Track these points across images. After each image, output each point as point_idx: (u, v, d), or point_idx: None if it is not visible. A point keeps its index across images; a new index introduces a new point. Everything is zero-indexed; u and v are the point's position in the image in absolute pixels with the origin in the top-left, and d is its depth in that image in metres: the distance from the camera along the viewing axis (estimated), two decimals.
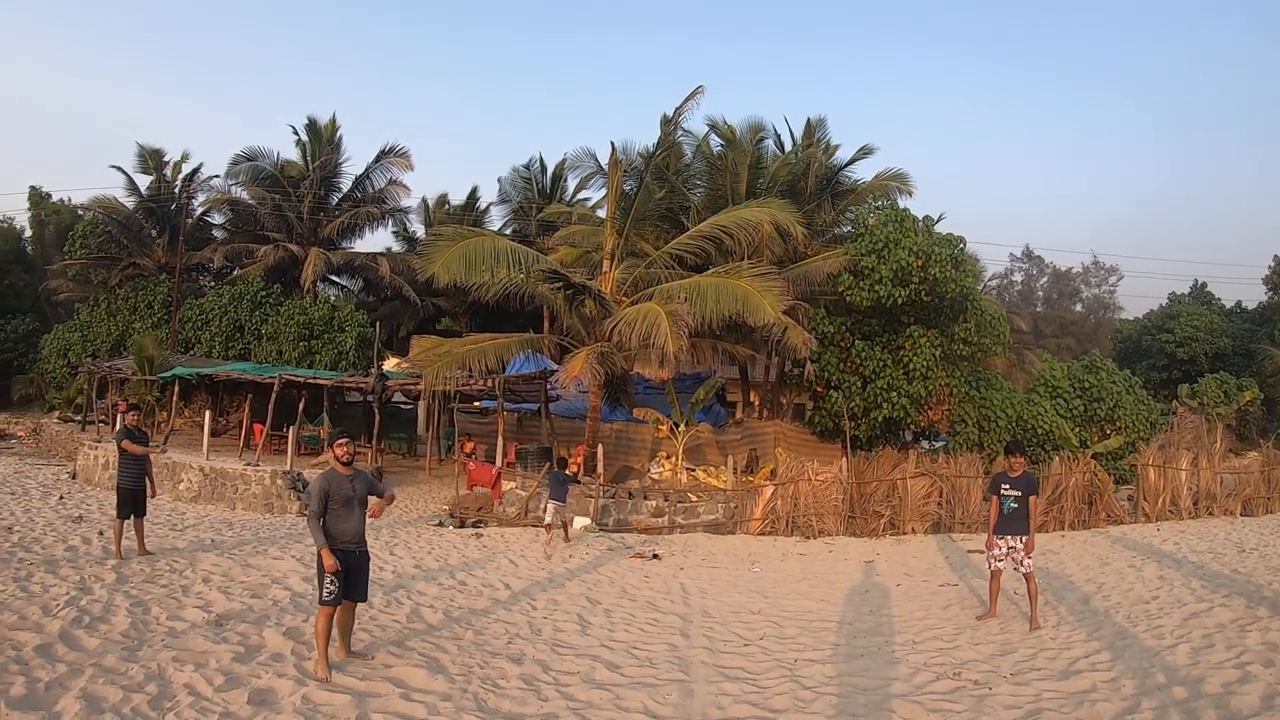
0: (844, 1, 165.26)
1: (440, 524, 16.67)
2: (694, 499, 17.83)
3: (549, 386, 21.98)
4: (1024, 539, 9.21)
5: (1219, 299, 41.28)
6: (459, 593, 10.26)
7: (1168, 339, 37.18)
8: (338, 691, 6.21)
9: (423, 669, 6.91)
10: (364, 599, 7.21)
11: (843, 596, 11.16)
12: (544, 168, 38.81)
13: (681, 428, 20.38)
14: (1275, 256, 37.36)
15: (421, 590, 10.16)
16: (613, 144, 21.93)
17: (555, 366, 22.20)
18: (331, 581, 6.63)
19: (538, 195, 37.83)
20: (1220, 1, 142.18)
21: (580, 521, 16.47)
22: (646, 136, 26.74)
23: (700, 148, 26.03)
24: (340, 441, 7.08)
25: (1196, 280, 42.24)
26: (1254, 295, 40.68)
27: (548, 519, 13.93)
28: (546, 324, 24.14)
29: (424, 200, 39.64)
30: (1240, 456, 22.85)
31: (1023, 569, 9.24)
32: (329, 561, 6.61)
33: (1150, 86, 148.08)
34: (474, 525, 16.62)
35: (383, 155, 35.77)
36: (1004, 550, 9.28)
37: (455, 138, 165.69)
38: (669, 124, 22.83)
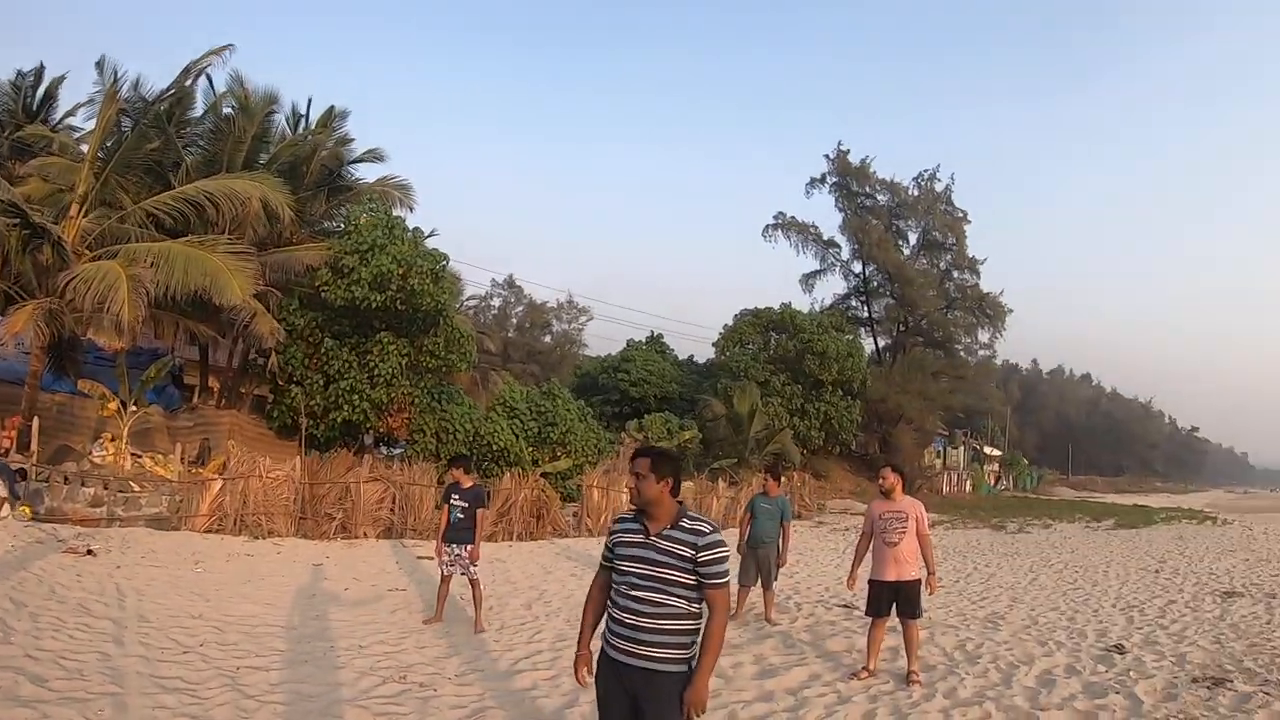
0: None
1: None
2: (137, 489, 16.68)
3: None
4: (469, 548, 9.99)
5: (673, 350, 47.00)
6: None
7: (623, 378, 41.65)
8: None
9: None
10: None
11: (289, 600, 11.28)
12: (40, 79, 33.16)
13: (131, 407, 18.97)
14: (725, 325, 43.98)
15: None
16: (114, 70, 19.83)
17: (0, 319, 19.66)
18: None
19: (22, 110, 32.36)
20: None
21: (6, 508, 14.72)
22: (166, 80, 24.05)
23: (213, 107, 24.32)
24: None
25: (653, 331, 47.61)
26: (706, 353, 46.88)
27: None
28: None
29: None
30: None
31: (469, 575, 10.01)
32: None
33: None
34: None
35: None
36: (451, 557, 10.02)
37: None
38: (186, 73, 21.20)
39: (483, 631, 9.80)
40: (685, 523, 4.01)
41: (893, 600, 8.10)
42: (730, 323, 43.58)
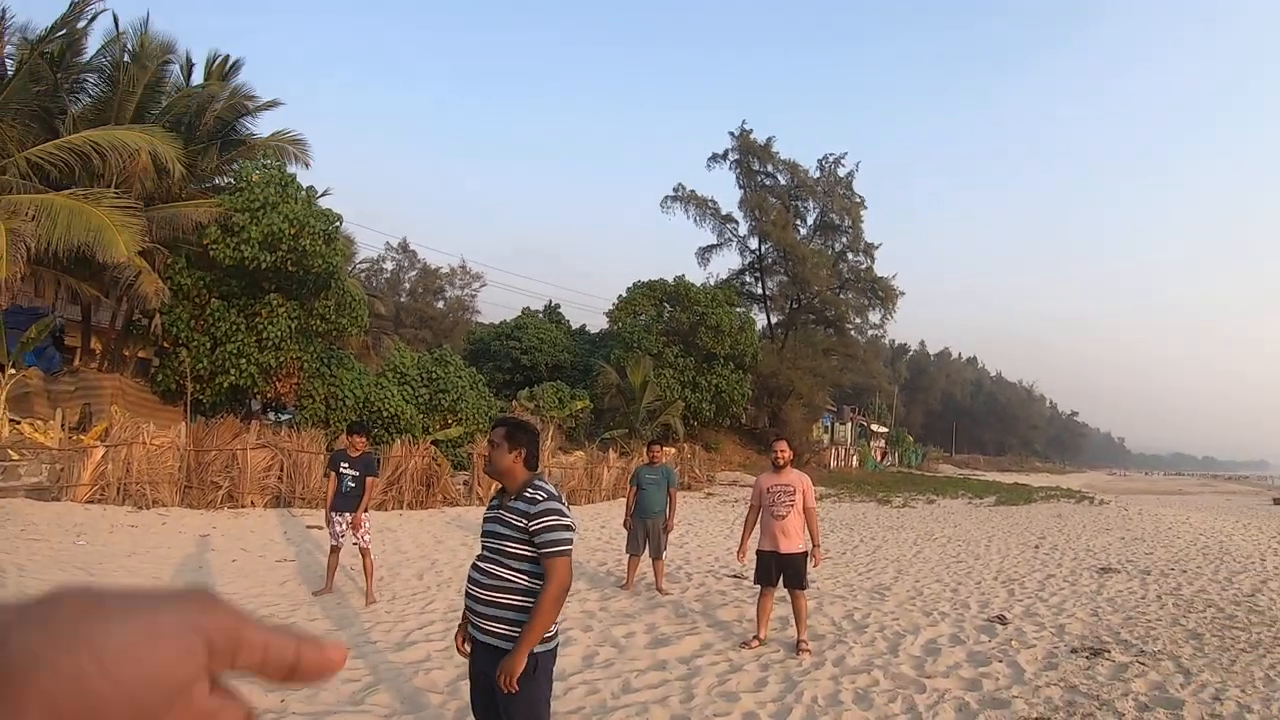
0: None
1: None
2: (15, 457, 16.08)
3: None
4: (353, 516, 9.97)
5: (568, 320, 46.92)
6: None
7: (515, 345, 41.52)
8: None
9: None
10: None
11: (175, 573, 11.25)
12: None
13: (9, 370, 18.28)
14: (619, 296, 43.99)
15: None
16: (1, 10, 18.98)
17: None
18: None
19: None
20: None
21: None
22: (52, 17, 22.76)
23: (106, 48, 23.05)
24: None
25: (550, 301, 47.56)
26: (601, 324, 47.01)
27: None
28: None
29: None
30: (569, 454, 26.81)
31: (361, 543, 9.99)
32: None
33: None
34: None
35: None
36: (343, 526, 10.09)
37: None
38: (75, 9, 20.29)
39: (374, 602, 9.84)
40: (527, 492, 3.99)
41: (780, 571, 8.38)
42: (624, 294, 43.80)
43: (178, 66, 25.45)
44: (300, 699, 6.44)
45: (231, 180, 24.28)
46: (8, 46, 19.65)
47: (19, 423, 17.81)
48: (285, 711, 6.18)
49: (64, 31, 20.85)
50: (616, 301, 43.89)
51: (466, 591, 4.09)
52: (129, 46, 23.23)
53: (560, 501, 3.99)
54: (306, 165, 26.80)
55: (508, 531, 3.95)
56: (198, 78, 26.04)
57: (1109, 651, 8.53)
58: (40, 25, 20.89)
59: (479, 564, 4.05)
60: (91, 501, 15.88)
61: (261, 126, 27.16)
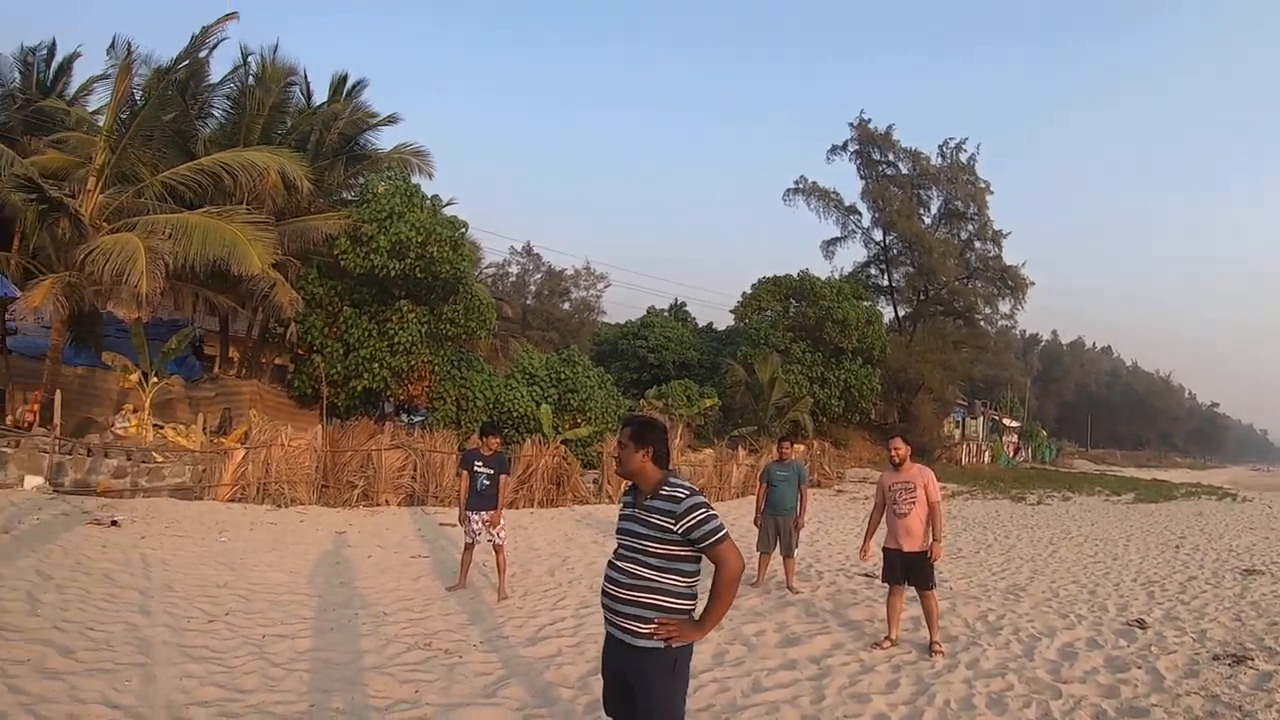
0: None
1: None
2: (160, 459, 16.71)
3: (7, 317, 19.35)
4: (492, 513, 9.98)
5: (694, 318, 46.93)
6: None
7: (642, 344, 41.53)
8: None
9: None
10: None
11: (314, 568, 11.30)
12: (52, 54, 33.20)
13: (152, 379, 19.03)
14: (744, 292, 43.41)
15: None
16: (128, 44, 19.81)
17: (18, 293, 19.70)
18: None
19: (36, 86, 32.38)
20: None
21: (32, 481, 14.79)
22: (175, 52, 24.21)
23: (230, 76, 24.23)
24: None
25: (676, 299, 47.47)
26: (725, 320, 46.73)
27: None
28: (16, 242, 21.24)
29: None
30: (698, 452, 26.60)
31: (497, 540, 10.02)
32: None
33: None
34: None
35: None
36: (479, 524, 10.01)
37: None
38: (196, 42, 21.13)
39: (506, 598, 9.83)
40: (664, 490, 3.93)
41: (905, 569, 8.13)
42: (749, 290, 43.23)
43: (299, 88, 26.26)
44: (435, 691, 6.45)
45: (358, 193, 24.92)
46: (135, 77, 20.44)
47: (162, 427, 18.62)
48: (419, 702, 6.17)
49: (187, 61, 21.67)
50: (742, 298, 43.40)
51: (603, 589, 4.08)
52: (254, 71, 24.18)
53: (699, 494, 3.93)
54: (430, 176, 27.38)
55: (646, 531, 3.92)
56: (319, 97, 26.90)
57: (1253, 659, 7.98)
58: (159, 55, 21.79)
59: (616, 563, 4.04)
60: (233, 500, 16.38)
61: (383, 141, 27.88)
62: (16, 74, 32.20)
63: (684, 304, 47.57)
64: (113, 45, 21.56)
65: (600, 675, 4.26)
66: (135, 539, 12.04)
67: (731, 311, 44.32)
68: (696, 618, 3.93)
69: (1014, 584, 12.03)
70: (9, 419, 17.73)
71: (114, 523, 12.76)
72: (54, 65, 32.66)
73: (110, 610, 8.33)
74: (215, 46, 22.16)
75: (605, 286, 71.16)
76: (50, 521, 12.48)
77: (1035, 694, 6.90)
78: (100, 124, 21.44)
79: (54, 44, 32.67)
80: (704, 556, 3.89)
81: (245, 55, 24.00)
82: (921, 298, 54.76)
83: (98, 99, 29.13)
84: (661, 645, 3.83)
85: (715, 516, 3.87)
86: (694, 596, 3.95)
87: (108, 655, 6.93)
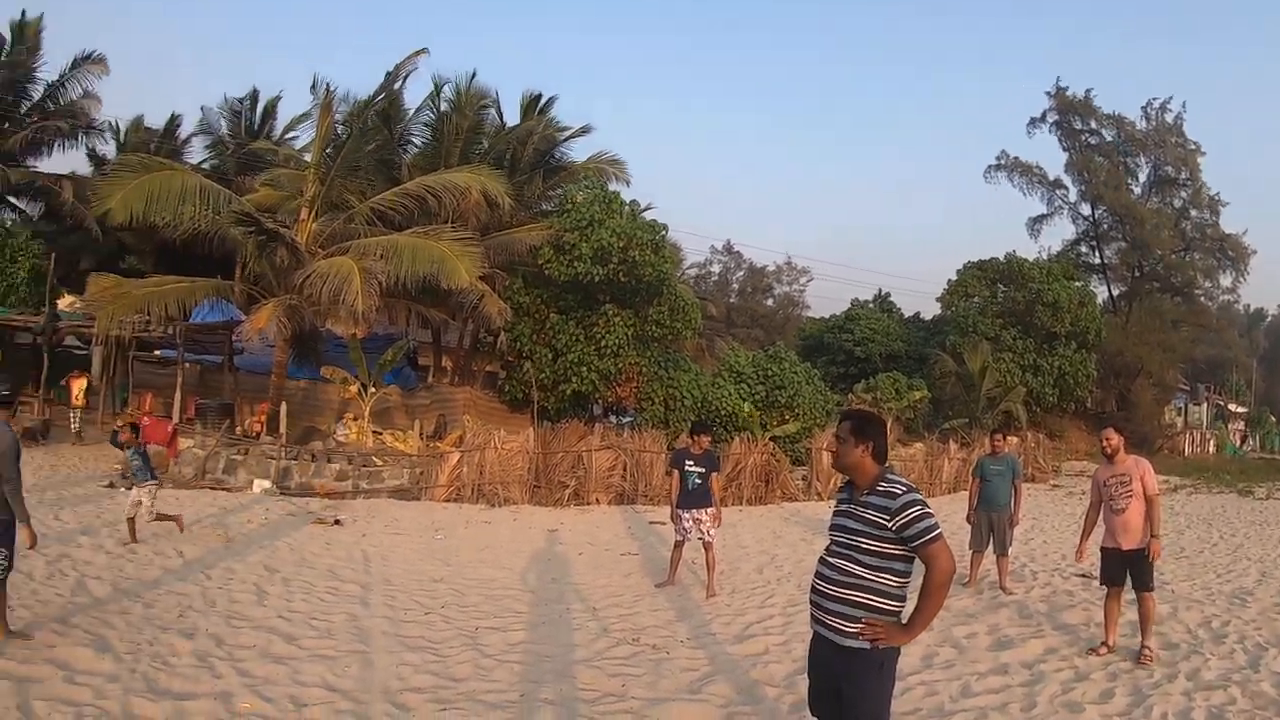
0: None
1: (110, 484, 15.23)
2: (379, 463, 17.51)
3: (234, 338, 20.78)
4: (709, 511, 9.74)
5: (899, 308, 45.55)
6: (128, 561, 9.60)
7: (847, 338, 40.54)
8: None
9: (89, 648, 6.40)
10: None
11: (526, 564, 11.35)
12: (256, 100, 35.97)
13: (370, 389, 19.94)
14: (948, 279, 41.60)
15: (87, 559, 9.41)
16: (327, 85, 21.11)
17: (243, 317, 21.05)
18: (3, 556, 6.17)
19: (244, 131, 35.10)
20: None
21: (260, 485, 15.75)
22: (370, 87, 26.19)
23: (424, 105, 25.53)
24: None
25: (881, 289, 46.23)
26: (933, 309, 45.02)
27: (130, 510, 10.70)
28: (239, 271, 23.02)
29: (111, 124, 34.90)
30: (908, 446, 25.59)
31: (707, 538, 9.75)
32: (32, 536, 6.30)
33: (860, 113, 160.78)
34: None
35: (80, 62, 30.78)
36: (690, 522, 9.78)
37: (165, 61, 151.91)
38: (391, 78, 22.24)
39: (715, 596, 9.62)
40: (881, 486, 3.78)
41: (1125, 569, 7.52)
42: (954, 276, 41.37)
43: (493, 110, 27.20)
44: (641, 686, 6.39)
45: (557, 204, 25.43)
46: (335, 114, 21.58)
47: (381, 433, 19.57)
48: (626, 696, 6.13)
49: (383, 95, 22.73)
50: (947, 285, 41.52)
51: (813, 585, 3.97)
52: (448, 97, 25.26)
53: (916, 491, 3.80)
54: (626, 183, 27.64)
55: (861, 527, 3.78)
56: (511, 116, 27.80)
57: None
58: (355, 91, 23.16)
59: (827, 559, 3.92)
60: (448, 500, 16.83)
61: (577, 152, 28.40)
62: (223, 122, 35.36)
63: (888, 294, 46.11)
64: (313, 86, 23.01)
65: (806, 675, 4.15)
66: (356, 537, 12.49)
67: (938, 299, 42.42)
68: (905, 620, 3.79)
69: (1240, 587, 10.99)
70: (238, 429, 19.25)
71: (337, 522, 13.34)
72: (258, 110, 35.65)
73: (332, 602, 8.61)
74: (406, 78, 23.28)
75: (808, 281, 69.92)
76: (277, 521, 13.17)
77: (1259, 709, 6.27)
78: (307, 159, 22.91)
79: (255, 92, 36.06)
80: (915, 557, 3.74)
81: (440, 84, 25.16)
82: (1136, 274, 50.32)
83: (303, 136, 31.36)
84: (867, 646, 3.70)
85: (930, 515, 3.71)
86: (904, 598, 3.78)
87: (329, 643, 7.16)
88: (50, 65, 32.34)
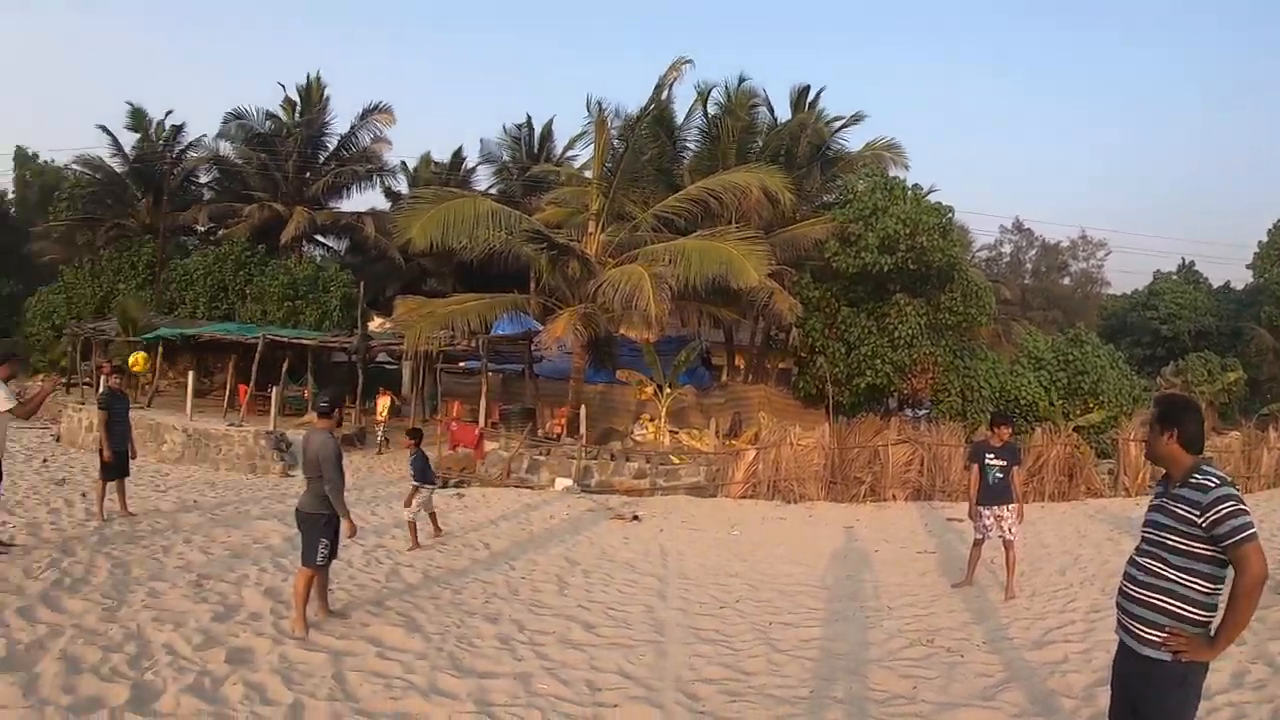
0: None
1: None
2: (676, 461, 17.90)
3: (533, 347, 21.99)
4: (1012, 507, 9.26)
5: (1206, 278, 41.23)
6: (438, 552, 10.37)
7: (1152, 315, 37.23)
8: (314, 650, 6.28)
9: (400, 628, 6.99)
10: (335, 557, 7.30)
11: (820, 561, 11.18)
12: (532, 127, 38.82)
13: (666, 390, 20.44)
14: (1260, 242, 37.13)
15: (401, 550, 10.27)
16: (599, 103, 22.00)
17: (539, 328, 22.25)
18: (325, 545, 6.79)
19: (525, 155, 37.76)
20: None
21: (562, 483, 16.59)
22: (638, 100, 27.46)
23: (692, 111, 26.03)
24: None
25: (1184, 259, 42.21)
26: (1243, 276, 40.58)
27: (409, 514, 10.82)
28: (533, 285, 24.49)
29: (402, 163, 39.68)
30: (1222, 435, 22.90)
31: (1008, 536, 9.22)
32: (352, 528, 6.89)
33: (1146, 83, 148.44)
34: (456, 486, 16.66)
35: (368, 113, 35.38)
36: (990, 519, 9.30)
37: (442, 100, 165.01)
38: (658, 90, 22.83)
39: (1014, 598, 9.04)
40: (1194, 479, 3.46)
41: None
42: (1264, 238, 36.71)
43: (763, 107, 27.15)
44: (932, 689, 6.17)
45: (838, 195, 25.03)
46: (610, 130, 22.34)
47: (677, 432, 20.07)
48: (916, 698, 5.97)
49: (653, 106, 23.28)
50: (1258, 248, 37.08)
51: (1120, 586, 3.75)
52: (718, 100, 25.66)
53: (1231, 485, 3.45)
54: (906, 167, 26.84)
55: (1170, 522, 3.51)
56: (781, 111, 27.63)
57: None
58: (621, 105, 24.02)
59: (1136, 558, 3.68)
60: (743, 497, 16.90)
61: (852, 141, 27.86)
62: (505, 151, 38.45)
63: (1192, 263, 41.67)
64: (587, 106, 24.22)
65: (1108, 686, 3.93)
66: (654, 532, 12.81)
67: (1248, 266, 38.02)
68: (1213, 633, 3.45)
69: None
70: (540, 432, 20.49)
71: (635, 518, 13.76)
72: (536, 135, 38.39)
73: (630, 594, 8.86)
74: (671, 87, 23.77)
75: (1106, 254, 64.55)
76: (578, 517, 13.77)
77: None
78: (588, 175, 23.93)
79: (529, 119, 38.78)
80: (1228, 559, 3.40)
81: (705, 90, 25.59)
82: None
83: (581, 155, 33.17)
84: (1168, 658, 3.44)
85: (1245, 512, 3.35)
86: (1214, 608, 3.45)
87: (625, 632, 7.37)
88: (341, 117, 37.53)
